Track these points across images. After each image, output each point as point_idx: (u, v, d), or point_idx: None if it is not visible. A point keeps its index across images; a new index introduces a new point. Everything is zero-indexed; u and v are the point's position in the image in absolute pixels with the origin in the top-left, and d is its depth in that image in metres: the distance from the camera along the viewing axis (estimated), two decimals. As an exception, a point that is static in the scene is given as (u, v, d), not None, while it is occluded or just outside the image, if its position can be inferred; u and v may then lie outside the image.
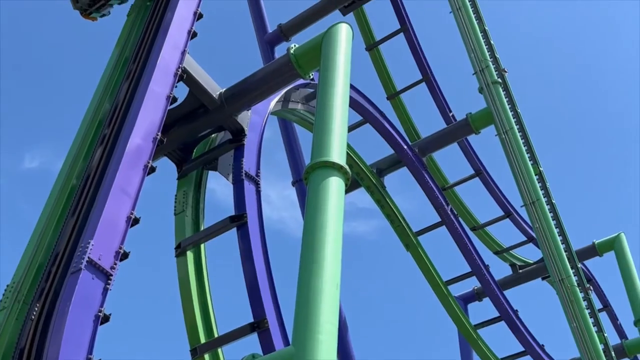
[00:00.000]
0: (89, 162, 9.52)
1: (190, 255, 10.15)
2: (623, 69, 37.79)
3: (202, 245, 10.38)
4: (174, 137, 10.99)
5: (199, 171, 11.34)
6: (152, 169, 9.13)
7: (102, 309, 7.50)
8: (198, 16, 11.28)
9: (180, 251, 10.18)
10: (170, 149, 11.15)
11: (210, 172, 11.45)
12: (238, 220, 9.86)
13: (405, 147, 16.66)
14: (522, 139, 15.30)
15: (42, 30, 33.00)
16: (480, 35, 16.10)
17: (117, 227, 8.15)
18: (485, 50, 15.91)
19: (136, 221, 8.44)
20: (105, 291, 7.64)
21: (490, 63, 15.79)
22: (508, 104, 15.59)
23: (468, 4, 16.32)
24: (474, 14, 16.41)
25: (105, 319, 7.53)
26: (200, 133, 11.47)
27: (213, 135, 11.65)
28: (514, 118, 15.42)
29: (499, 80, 15.71)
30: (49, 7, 31.56)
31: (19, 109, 31.28)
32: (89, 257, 7.61)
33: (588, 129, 37.89)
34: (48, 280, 8.10)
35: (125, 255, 8.08)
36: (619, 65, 38.00)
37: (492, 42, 16.53)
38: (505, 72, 16.21)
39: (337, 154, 8.20)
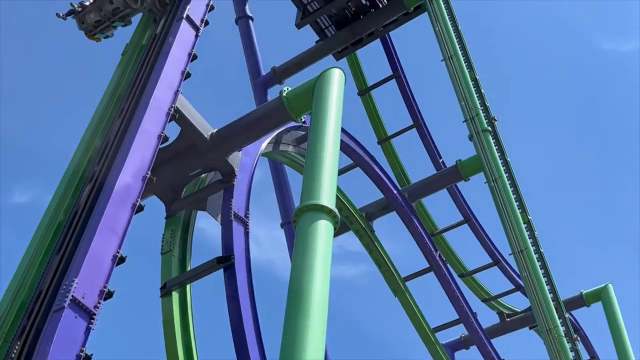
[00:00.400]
0: (78, 199, 9.47)
1: (175, 295, 10.06)
2: (613, 121, 38.26)
3: (187, 286, 10.29)
4: (164, 176, 10.97)
5: (188, 211, 11.31)
6: (141, 208, 9.09)
7: (84, 348, 7.37)
8: (192, 57, 11.39)
9: (165, 291, 10.09)
10: (159, 188, 11.12)
11: (200, 212, 11.42)
12: (225, 261, 9.80)
13: (395, 191, 16.72)
14: (511, 187, 15.36)
15: (35, 61, 33.16)
16: (471, 83, 16.28)
17: (103, 266, 8.07)
18: (476, 99, 16.07)
19: (122, 260, 8.36)
20: (87, 330, 7.52)
21: (481, 111, 15.93)
22: (497, 152, 15.70)
23: (459, 52, 16.55)
24: (465, 62, 16.63)
25: (87, 359, 7.40)
26: (190, 173, 11.47)
27: (203, 175, 11.64)
28: (503, 166, 15.50)
29: (489, 128, 15.84)
30: (42, 39, 31.81)
31: (11, 142, 31.21)
32: (72, 296, 7.52)
33: (576, 178, 38.19)
34: (30, 318, 7.97)
35: (109, 295, 7.98)
36: (609, 119, 38.46)
37: (482, 90, 16.71)
38: (496, 120, 16.35)
39: (326, 197, 8.20)
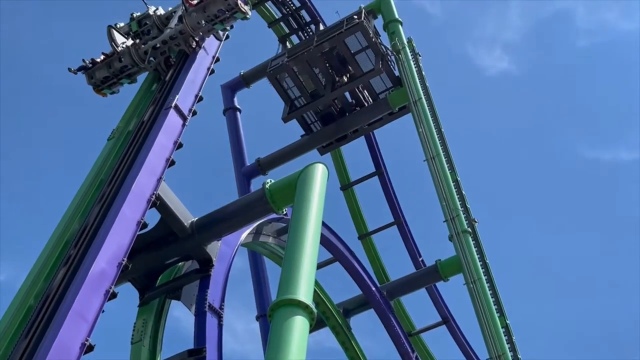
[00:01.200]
0: (51, 282, 9.26)
1: (142, 388, 9.72)
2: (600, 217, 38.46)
3: (156, 379, 9.97)
4: (140, 263, 10.79)
5: (162, 300, 11.09)
6: (114, 295, 8.87)
7: None
8: (178, 145, 11.44)
9: (132, 383, 9.75)
10: (134, 275, 10.93)
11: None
12: (196, 354, 9.56)
13: (374, 289, 16.60)
14: (489, 290, 15.33)
15: (19, 142, 33.26)
16: (452, 184, 16.51)
17: (70, 354, 7.80)
18: (457, 200, 16.25)
19: (90, 348, 8.09)
20: (47, 422, 7.20)
21: (461, 212, 16.08)
22: (477, 254, 15.74)
23: (442, 154, 16.86)
24: (447, 163, 16.92)
25: None
26: (167, 260, 11.32)
27: (180, 264, 11.49)
28: (482, 268, 15.52)
29: (469, 229, 15.95)
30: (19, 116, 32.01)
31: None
32: (35, 384, 7.23)
33: (553, 285, 38.12)
34: (-13, 407, 7.64)
35: (74, 385, 7.68)
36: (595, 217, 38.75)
37: (463, 192, 16.94)
38: (476, 222, 16.49)
39: (303, 292, 8.08)
